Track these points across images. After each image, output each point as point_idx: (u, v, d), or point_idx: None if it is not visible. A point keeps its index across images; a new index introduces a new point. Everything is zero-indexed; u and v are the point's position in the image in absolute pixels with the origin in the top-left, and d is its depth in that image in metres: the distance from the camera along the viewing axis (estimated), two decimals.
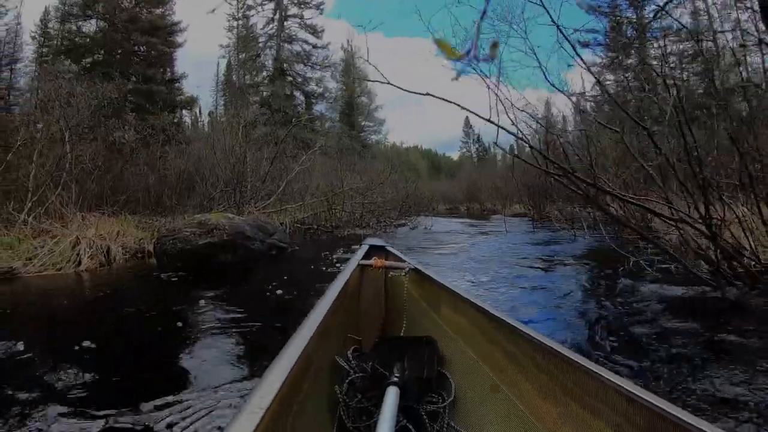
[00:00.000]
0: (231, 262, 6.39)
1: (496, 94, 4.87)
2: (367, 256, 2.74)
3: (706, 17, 22.52)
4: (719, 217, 4.67)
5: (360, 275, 2.58)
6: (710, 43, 20.82)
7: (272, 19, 32.26)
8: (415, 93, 5.03)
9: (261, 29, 32.49)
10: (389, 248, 2.91)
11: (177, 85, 23.21)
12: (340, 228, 12.61)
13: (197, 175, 13.22)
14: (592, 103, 21.36)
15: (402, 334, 2.33)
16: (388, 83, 4.91)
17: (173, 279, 5.94)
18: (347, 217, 13.44)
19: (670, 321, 3.88)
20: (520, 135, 5.28)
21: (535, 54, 5.24)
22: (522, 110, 5.20)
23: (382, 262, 2.59)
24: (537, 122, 5.70)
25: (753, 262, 4.67)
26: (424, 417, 1.71)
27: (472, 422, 1.77)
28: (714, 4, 21.49)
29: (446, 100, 4.90)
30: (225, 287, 5.38)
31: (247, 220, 7.60)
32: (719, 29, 20.05)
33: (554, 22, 4.77)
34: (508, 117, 5.10)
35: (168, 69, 23.58)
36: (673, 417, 1.07)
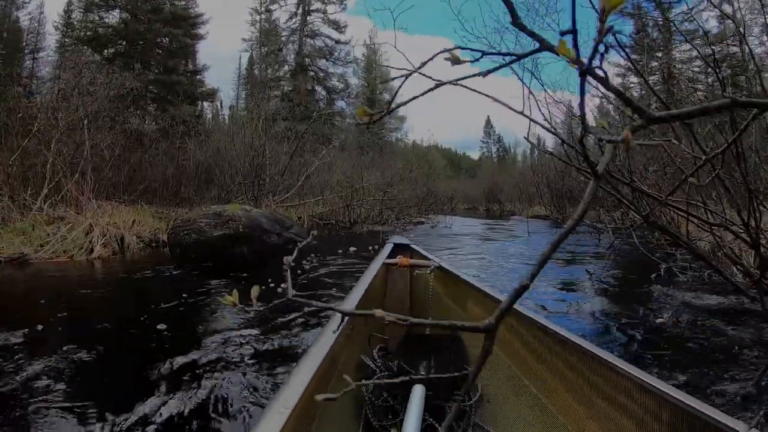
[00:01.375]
0: (246, 255, 6.18)
1: (528, 89, 4.70)
2: (391, 254, 2.79)
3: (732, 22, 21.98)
4: (763, 226, 4.41)
5: (385, 274, 2.64)
6: (736, 48, 20.32)
7: (295, 14, 32.16)
8: (437, 81, 4.78)
9: (284, 23, 32.32)
10: (414, 246, 2.98)
11: (198, 77, 23.17)
12: (358, 224, 12.42)
13: (216, 167, 13.13)
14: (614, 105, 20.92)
15: (428, 332, 2.30)
16: (410, 72, 4.72)
17: (185, 270, 5.78)
18: (366, 213, 13.22)
19: (705, 332, 3.68)
20: (553, 130, 5.04)
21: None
22: (558, 102, 4.90)
23: (407, 261, 2.61)
24: (571, 116, 5.41)
25: None
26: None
27: (498, 420, 1.77)
28: (740, 8, 20.85)
29: (476, 91, 4.67)
30: (237, 281, 5.17)
31: (265, 213, 7.41)
32: (747, 34, 19.42)
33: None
34: (540, 112, 4.97)
35: (190, 61, 23.61)
36: (699, 413, 1.07)
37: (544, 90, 4.97)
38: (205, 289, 4.78)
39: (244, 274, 5.52)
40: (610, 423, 1.35)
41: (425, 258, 2.73)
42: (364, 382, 1.73)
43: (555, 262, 7.14)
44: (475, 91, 4.68)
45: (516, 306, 1.68)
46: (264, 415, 1.03)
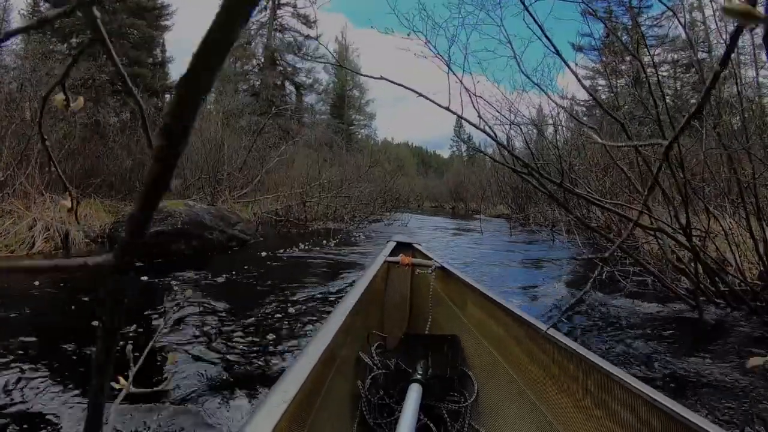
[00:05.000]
0: (184, 252, 6.19)
1: (460, 81, 4.74)
2: (394, 252, 2.77)
3: (702, 28, 22.48)
4: (703, 229, 4.38)
5: (386, 272, 2.63)
6: (705, 54, 20.81)
7: (265, 7, 31.89)
8: (370, 77, 4.89)
9: (253, 16, 32.01)
10: (416, 245, 2.95)
11: (163, 69, 22.87)
12: (312, 221, 12.45)
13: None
14: (584, 108, 21.33)
15: (427, 332, 2.35)
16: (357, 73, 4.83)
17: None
18: (323, 210, 13.29)
19: (635, 344, 3.53)
20: (482, 126, 4.97)
21: (510, 43, 4.98)
22: (480, 97, 4.90)
23: (409, 260, 2.62)
24: (501, 113, 5.42)
25: (738, 280, 4.33)
26: (446, 416, 1.74)
27: (493, 423, 1.78)
28: (711, 16, 21.39)
29: (401, 85, 4.77)
30: (168, 279, 5.10)
31: (210, 209, 7.45)
32: (715, 41, 20.01)
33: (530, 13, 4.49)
34: (475, 108, 4.90)
35: (159, 51, 23.28)
36: (691, 423, 1.10)
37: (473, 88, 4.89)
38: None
39: (182, 273, 5.42)
40: (604, 429, 1.39)
41: (427, 257, 2.72)
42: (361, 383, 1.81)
43: (500, 266, 7.35)
44: (399, 84, 4.81)
45: (515, 310, 1.87)
46: (260, 409, 1.03)
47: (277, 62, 31.58)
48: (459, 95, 4.78)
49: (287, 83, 32.35)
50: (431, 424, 1.69)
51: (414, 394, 1.66)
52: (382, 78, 4.71)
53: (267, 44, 30.88)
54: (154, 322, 3.72)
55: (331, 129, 30.82)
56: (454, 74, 4.65)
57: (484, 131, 4.91)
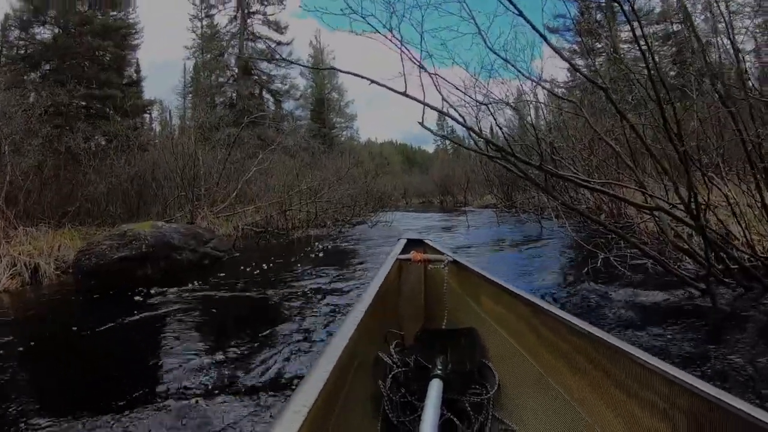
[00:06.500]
0: (151, 277, 5.93)
1: (419, 63, 4.44)
2: (405, 250, 2.76)
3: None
4: (703, 202, 3.76)
5: (399, 270, 2.62)
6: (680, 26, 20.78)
7: (235, 17, 31.67)
8: (317, 68, 4.71)
9: (224, 28, 31.81)
10: (427, 241, 2.96)
11: (135, 89, 22.59)
12: (294, 230, 12.23)
13: (153, 182, 12.75)
14: (564, 90, 21.23)
15: (444, 327, 2.36)
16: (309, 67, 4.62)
17: (85, 299, 5.45)
18: (304, 217, 13.08)
19: (642, 338, 3.18)
20: (447, 110, 4.63)
21: (474, 19, 4.49)
22: (437, 75, 4.53)
23: (421, 256, 2.60)
24: (467, 94, 5.07)
25: (747, 255, 3.91)
26: (469, 409, 1.71)
27: (516, 414, 1.77)
28: None
29: (353, 74, 4.56)
30: (131, 309, 4.80)
31: (180, 227, 7.22)
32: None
33: None
34: (438, 92, 4.56)
35: (133, 71, 23.09)
36: (722, 402, 1.07)
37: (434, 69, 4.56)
38: (77, 324, 4.42)
39: (149, 300, 5.14)
40: (629, 413, 1.37)
41: (439, 252, 2.73)
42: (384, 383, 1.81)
43: (485, 261, 7.15)
44: (351, 73, 4.60)
45: (530, 298, 1.95)
46: (281, 414, 1.03)
47: (252, 71, 31.36)
48: (419, 78, 4.44)
49: (264, 92, 32.13)
50: (454, 419, 1.67)
51: (435, 389, 1.62)
52: (332, 69, 4.50)
53: (240, 54, 30.63)
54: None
55: (311, 134, 30.58)
56: (408, 52, 4.39)
57: (448, 115, 4.64)
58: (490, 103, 5.22)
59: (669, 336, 3.19)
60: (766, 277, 3.76)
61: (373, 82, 4.50)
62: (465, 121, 4.68)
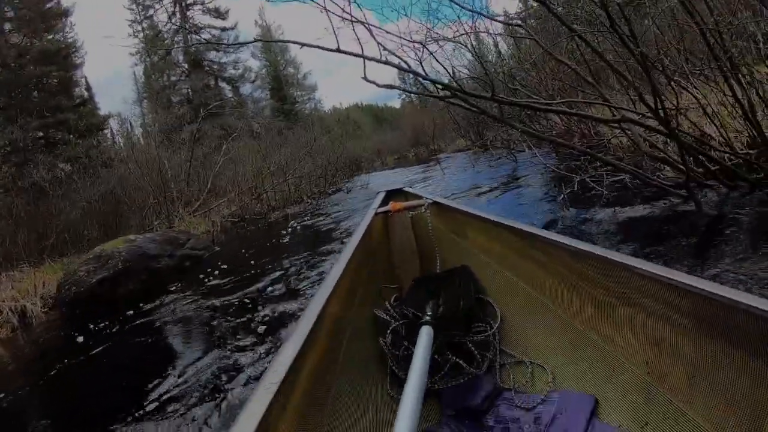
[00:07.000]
0: (134, 291, 5.87)
1: (351, 17, 4.20)
2: (384, 203, 2.68)
3: None
4: (672, 106, 3.67)
5: (383, 223, 2.57)
6: None
7: (174, 12, 30.83)
8: (248, 42, 4.61)
9: (165, 26, 31.04)
10: (407, 189, 2.88)
11: (89, 107, 22.10)
12: (271, 212, 12.22)
13: (125, 195, 12.60)
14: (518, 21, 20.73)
15: (438, 271, 2.30)
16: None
17: (76, 330, 5.24)
18: (280, 197, 13.06)
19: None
20: (386, 58, 4.37)
21: None
22: (366, 23, 4.40)
23: (399, 205, 2.55)
24: (405, 38, 4.92)
25: (726, 155, 3.76)
26: (472, 348, 1.69)
27: (523, 343, 1.75)
28: None
29: (282, 41, 4.51)
30: (112, 332, 4.85)
31: (155, 236, 7.23)
32: None
33: None
34: (375, 41, 4.34)
35: (76, 93, 22.51)
36: (723, 298, 1.05)
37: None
38: (79, 353, 4.42)
39: (133, 316, 5.15)
40: (635, 324, 1.37)
41: (418, 197, 2.65)
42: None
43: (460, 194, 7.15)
44: (280, 41, 4.49)
45: (518, 225, 1.90)
46: (250, 400, 0.97)
47: (202, 63, 30.71)
48: (353, 32, 4.24)
49: (219, 81, 31.58)
50: (460, 361, 1.65)
51: (424, 337, 1.59)
52: (258, 40, 4.36)
53: (185, 48, 29.92)
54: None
55: (275, 113, 30.21)
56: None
57: (387, 63, 4.55)
58: (430, 42, 5.09)
59: (660, 248, 3.15)
60: (749, 172, 3.65)
61: (303, 45, 4.43)
62: (410, 66, 4.61)
